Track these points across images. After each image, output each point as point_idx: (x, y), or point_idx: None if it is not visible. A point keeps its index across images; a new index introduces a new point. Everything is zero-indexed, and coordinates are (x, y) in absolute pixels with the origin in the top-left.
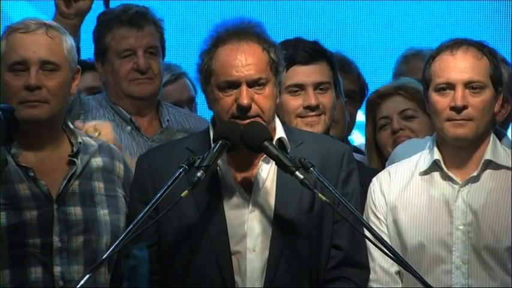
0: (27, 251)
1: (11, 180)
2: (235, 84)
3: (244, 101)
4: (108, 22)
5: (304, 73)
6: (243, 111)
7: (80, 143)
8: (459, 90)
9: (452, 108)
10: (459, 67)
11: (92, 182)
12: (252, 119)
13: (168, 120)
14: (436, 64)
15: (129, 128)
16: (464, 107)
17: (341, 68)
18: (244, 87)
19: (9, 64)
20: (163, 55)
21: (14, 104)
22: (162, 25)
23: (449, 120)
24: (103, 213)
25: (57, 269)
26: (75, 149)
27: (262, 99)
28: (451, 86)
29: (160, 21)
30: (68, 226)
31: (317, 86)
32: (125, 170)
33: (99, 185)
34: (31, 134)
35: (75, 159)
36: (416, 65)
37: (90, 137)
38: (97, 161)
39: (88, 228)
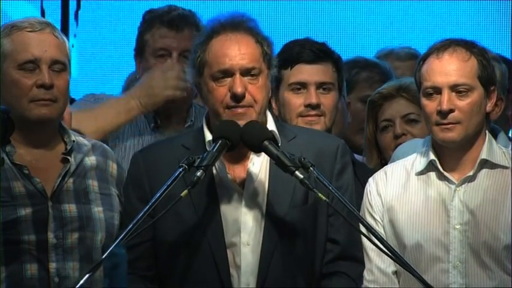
0: (23, 247)
1: (6, 178)
2: (228, 73)
3: (239, 89)
4: (150, 20)
5: (308, 72)
6: (237, 99)
7: (74, 141)
8: (445, 94)
9: (439, 113)
10: (445, 70)
11: (86, 180)
12: (245, 108)
13: (191, 121)
14: (424, 67)
15: (152, 125)
16: (451, 111)
17: (366, 68)
18: (237, 76)
19: (20, 63)
20: None
21: (23, 103)
22: None
23: (437, 124)
24: (97, 210)
25: (52, 266)
26: (68, 147)
27: (255, 89)
28: (437, 90)
29: None
30: (63, 223)
31: (320, 86)
32: (117, 169)
33: (93, 183)
34: (29, 132)
35: (68, 157)
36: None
37: (83, 136)
38: (91, 160)
39: (83, 225)
